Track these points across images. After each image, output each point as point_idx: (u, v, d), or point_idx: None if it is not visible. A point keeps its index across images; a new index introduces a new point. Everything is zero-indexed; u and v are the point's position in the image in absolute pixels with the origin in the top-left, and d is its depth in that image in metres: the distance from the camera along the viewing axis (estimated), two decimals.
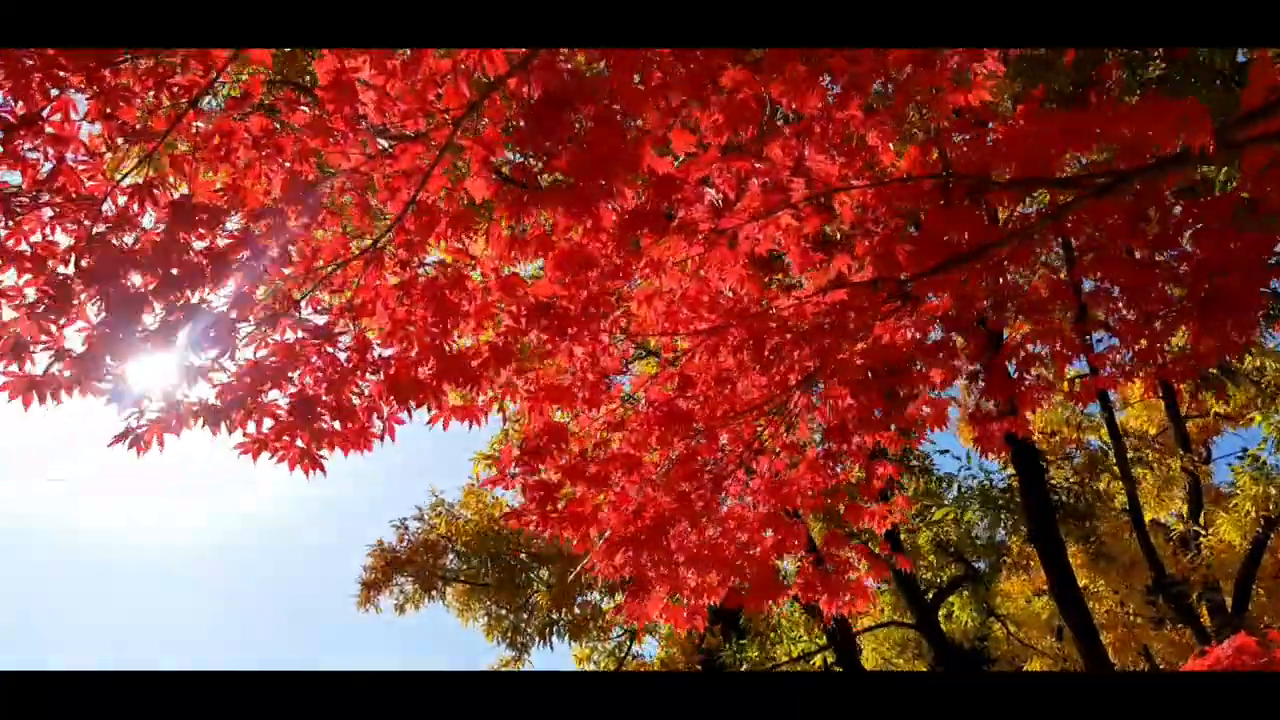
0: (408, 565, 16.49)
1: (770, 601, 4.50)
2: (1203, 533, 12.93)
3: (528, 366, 4.14)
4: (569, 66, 3.33)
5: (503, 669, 16.89)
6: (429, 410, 3.87)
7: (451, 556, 16.85)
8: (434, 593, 16.78)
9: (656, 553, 4.25)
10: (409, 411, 3.92)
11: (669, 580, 4.41)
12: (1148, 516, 12.97)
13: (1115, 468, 13.13)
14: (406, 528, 16.86)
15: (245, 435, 3.69)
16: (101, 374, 3.29)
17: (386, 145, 3.55)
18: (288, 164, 3.43)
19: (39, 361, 3.32)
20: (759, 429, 4.62)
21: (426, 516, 17.04)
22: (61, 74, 3.04)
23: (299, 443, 3.76)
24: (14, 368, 3.28)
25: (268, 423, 3.71)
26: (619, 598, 4.83)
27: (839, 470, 4.69)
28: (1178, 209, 4.29)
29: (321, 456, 3.77)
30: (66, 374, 3.29)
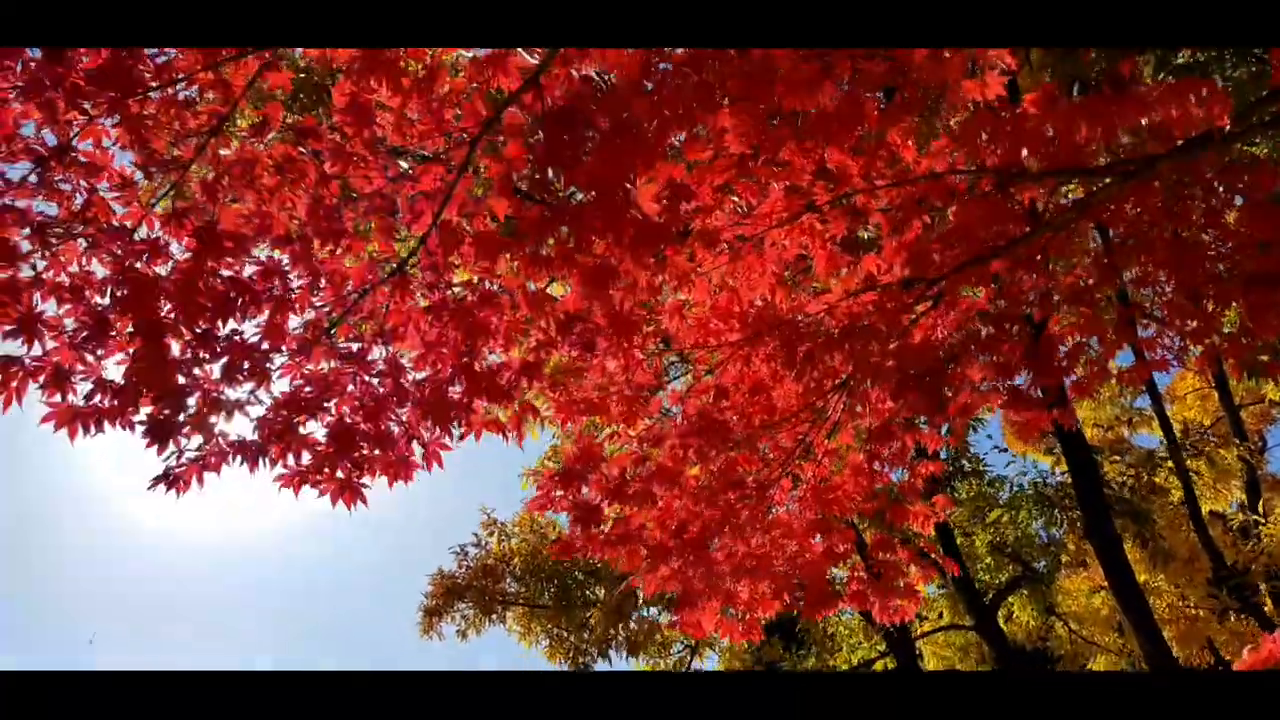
0: (467, 591, 16.58)
1: (825, 611, 4.46)
2: (1262, 521, 12.63)
3: (560, 381, 4.14)
4: (579, 76, 3.34)
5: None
6: (458, 426, 3.85)
7: (509, 580, 16.90)
8: (494, 616, 16.84)
9: (701, 565, 4.23)
10: (449, 435, 3.90)
11: (718, 593, 4.38)
12: (1205, 508, 12.70)
13: (1170, 461, 12.88)
14: (466, 554, 16.97)
15: (285, 468, 3.68)
16: (139, 405, 3.33)
17: (407, 167, 3.58)
18: (310, 189, 3.47)
19: (80, 390, 3.37)
20: (801, 436, 4.59)
21: (484, 541, 17.13)
22: (87, 103, 3.11)
23: (339, 474, 3.75)
24: (57, 397, 3.33)
25: (306, 455, 3.71)
26: (671, 614, 4.81)
27: (883, 472, 4.64)
28: (1220, 187, 4.21)
29: (363, 485, 3.76)
30: (106, 404, 3.33)
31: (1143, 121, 3.63)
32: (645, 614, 16.19)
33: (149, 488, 3.50)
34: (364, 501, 3.78)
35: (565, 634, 16.61)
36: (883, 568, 4.54)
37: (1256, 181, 4.02)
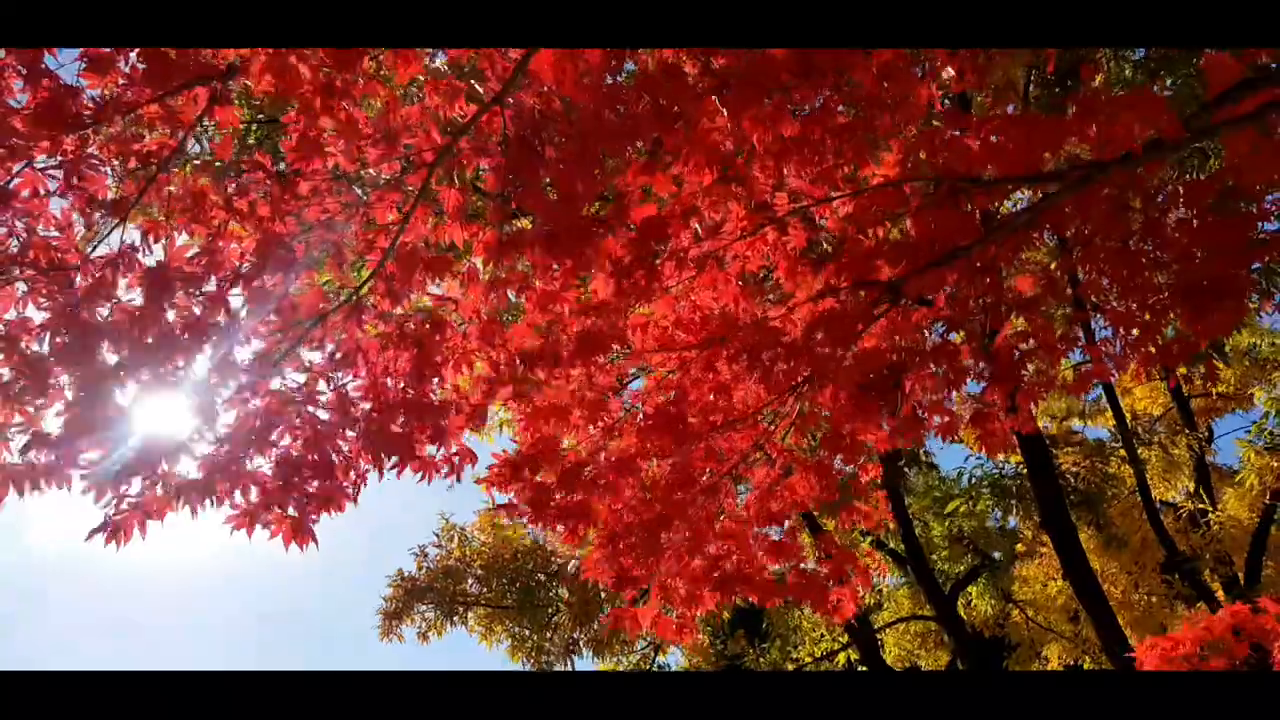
0: (428, 593, 16.45)
1: (770, 602, 4.52)
2: (1210, 510, 12.90)
3: (523, 390, 4.10)
4: (538, 105, 3.31)
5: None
6: (392, 462, 3.77)
7: (471, 581, 16.81)
8: (455, 618, 16.73)
9: (649, 552, 4.23)
10: (379, 469, 3.80)
11: (658, 588, 4.41)
12: (1156, 497, 12.93)
13: (1122, 451, 13.10)
14: (426, 555, 16.84)
15: (234, 507, 3.58)
16: (78, 460, 3.19)
17: (361, 194, 3.52)
18: (261, 224, 3.38)
19: (14, 446, 3.22)
20: (757, 437, 4.61)
21: (444, 542, 17.02)
22: (25, 144, 3.01)
23: (290, 511, 3.67)
24: None
25: (255, 491, 3.61)
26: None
27: (837, 471, 4.69)
28: (1160, 198, 4.28)
29: (312, 523, 3.67)
30: (43, 459, 3.18)
31: (1091, 132, 3.70)
32: (608, 614, 16.15)
33: (86, 539, 3.36)
34: (314, 541, 3.70)
35: (528, 634, 16.55)
36: (826, 566, 4.62)
37: (1194, 191, 4.11)
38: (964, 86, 3.94)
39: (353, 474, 3.78)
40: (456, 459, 3.93)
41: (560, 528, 4.38)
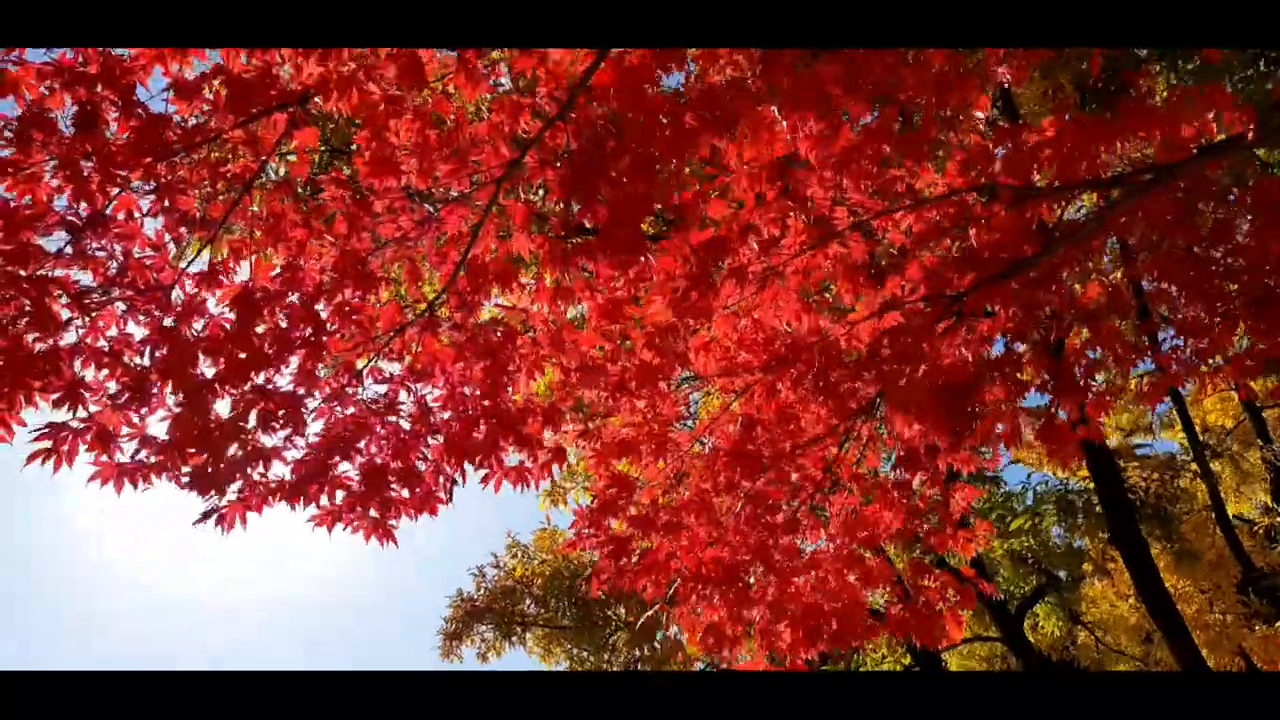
0: (487, 613, 16.54)
1: (865, 640, 4.45)
2: None
3: (592, 431, 4.20)
4: (601, 115, 3.40)
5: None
6: (482, 470, 3.93)
7: (529, 601, 16.87)
8: (514, 638, 16.80)
9: (733, 596, 4.24)
10: (462, 474, 3.98)
11: (758, 636, 4.39)
12: (1230, 511, 12.61)
13: (1193, 465, 12.82)
14: (484, 575, 16.94)
15: (319, 508, 3.77)
16: (183, 458, 3.41)
17: (432, 210, 3.64)
18: (339, 240, 3.53)
19: (126, 449, 3.46)
20: (828, 460, 4.59)
21: (503, 562, 17.11)
22: (119, 172, 3.19)
23: (372, 512, 3.85)
24: (104, 457, 3.41)
25: (340, 494, 3.80)
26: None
27: (914, 499, 4.63)
28: (1230, 200, 4.23)
29: (392, 525, 3.84)
30: (151, 459, 3.42)
31: (1156, 135, 3.68)
32: (667, 634, 16.11)
33: (195, 523, 3.61)
34: (394, 540, 3.89)
35: (586, 654, 16.55)
36: (921, 593, 4.52)
37: (1263, 194, 4.05)
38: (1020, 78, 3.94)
39: (441, 478, 3.92)
40: (542, 460, 4.04)
41: (643, 584, 4.44)
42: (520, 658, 17.06)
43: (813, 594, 4.35)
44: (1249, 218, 4.20)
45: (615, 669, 16.34)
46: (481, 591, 16.88)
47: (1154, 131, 3.81)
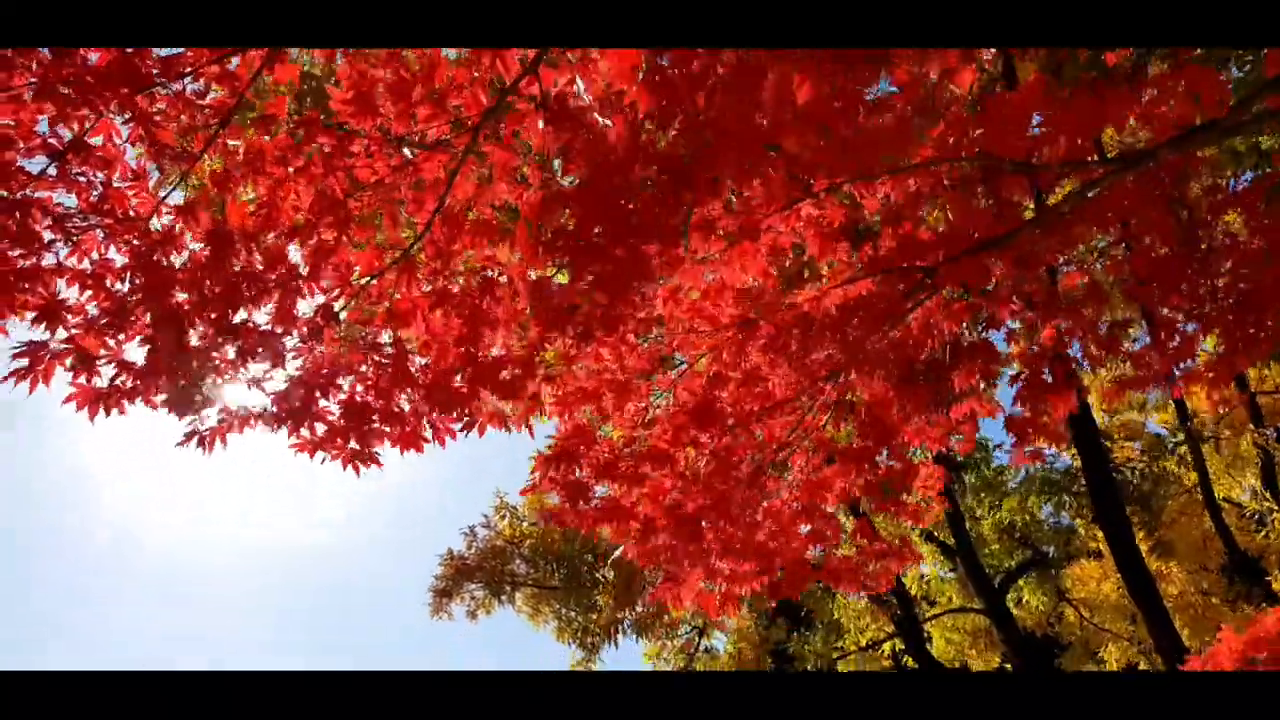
0: (477, 572, 16.78)
1: (801, 588, 4.56)
2: (1277, 509, 12.61)
3: (554, 372, 4.24)
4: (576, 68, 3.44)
5: (575, 670, 17.13)
6: (462, 417, 4.00)
7: (519, 561, 17.10)
8: (503, 597, 17.04)
9: (692, 544, 4.33)
10: (454, 423, 4.05)
11: (703, 568, 4.48)
12: (1219, 495, 12.67)
13: (1182, 447, 12.86)
14: (475, 535, 17.16)
15: (299, 437, 3.86)
16: (160, 385, 3.50)
17: (410, 155, 3.68)
18: (316, 180, 3.58)
19: (104, 374, 3.54)
20: (794, 424, 4.65)
21: (493, 522, 17.31)
22: (98, 100, 3.23)
23: (353, 443, 3.92)
24: (81, 380, 3.50)
25: (321, 426, 3.88)
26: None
27: (875, 468, 4.69)
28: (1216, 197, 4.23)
29: (374, 452, 3.93)
30: (129, 384, 3.50)
31: (1131, 118, 3.69)
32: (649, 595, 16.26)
33: (178, 445, 3.74)
34: (377, 464, 3.96)
35: (573, 615, 16.80)
36: (865, 552, 4.64)
37: (1246, 194, 4.06)
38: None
39: (426, 423, 3.99)
40: (524, 408, 4.11)
41: (603, 529, 4.51)
42: (509, 617, 17.28)
43: (766, 540, 4.46)
44: (1226, 221, 4.22)
45: (599, 629, 16.57)
46: (472, 550, 17.11)
47: (1136, 109, 3.82)
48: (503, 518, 17.29)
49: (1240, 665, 6.15)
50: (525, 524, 17.19)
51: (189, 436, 3.71)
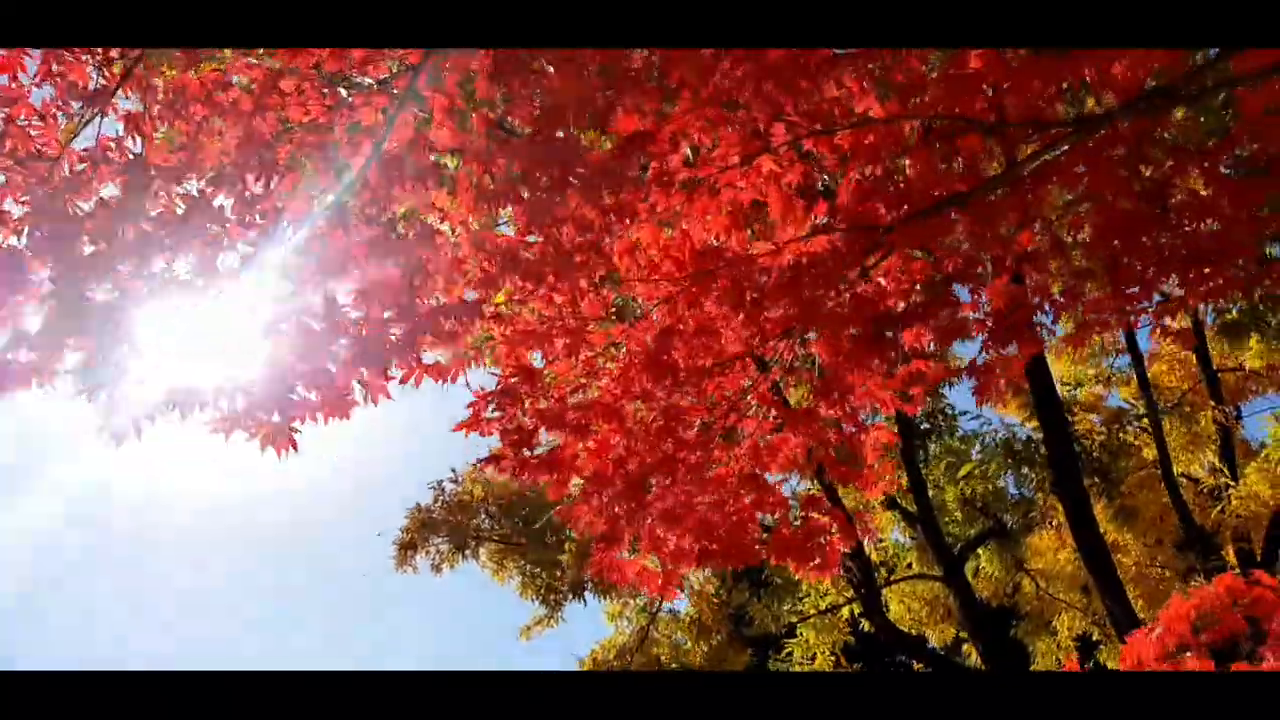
0: (443, 526, 16.72)
1: (744, 563, 4.46)
2: (1233, 484, 12.73)
3: (503, 311, 4.09)
4: None
5: (535, 626, 17.19)
6: (396, 370, 3.79)
7: (484, 517, 17.06)
8: (467, 552, 17.00)
9: (633, 504, 4.22)
10: (385, 374, 3.81)
11: (646, 539, 4.37)
12: (1176, 470, 12.75)
13: (1144, 421, 12.94)
14: (443, 489, 17.08)
15: (217, 411, 3.56)
16: (62, 358, 3.16)
17: (346, 95, 3.51)
18: (243, 120, 3.39)
19: None
20: (746, 384, 4.56)
21: (461, 479, 17.23)
22: None
23: (275, 417, 3.65)
24: None
25: (240, 399, 3.58)
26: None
27: (826, 429, 4.60)
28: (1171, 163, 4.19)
29: (294, 430, 3.65)
30: (26, 357, 3.14)
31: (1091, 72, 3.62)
32: (619, 557, 16.31)
33: (96, 436, 3.36)
34: (294, 447, 3.69)
35: (538, 572, 16.79)
36: (808, 524, 4.53)
37: (1204, 153, 4.01)
38: None
39: (356, 383, 3.77)
40: (462, 358, 3.94)
41: (543, 480, 4.36)
42: (473, 571, 17.24)
43: (709, 510, 4.35)
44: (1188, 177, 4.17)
45: (564, 587, 16.58)
46: (439, 505, 17.04)
47: (1092, 69, 3.73)
48: (474, 481, 17.20)
49: (1186, 631, 6.18)
50: (494, 485, 17.11)
51: (100, 431, 3.33)
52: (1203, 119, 6.61)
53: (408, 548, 16.83)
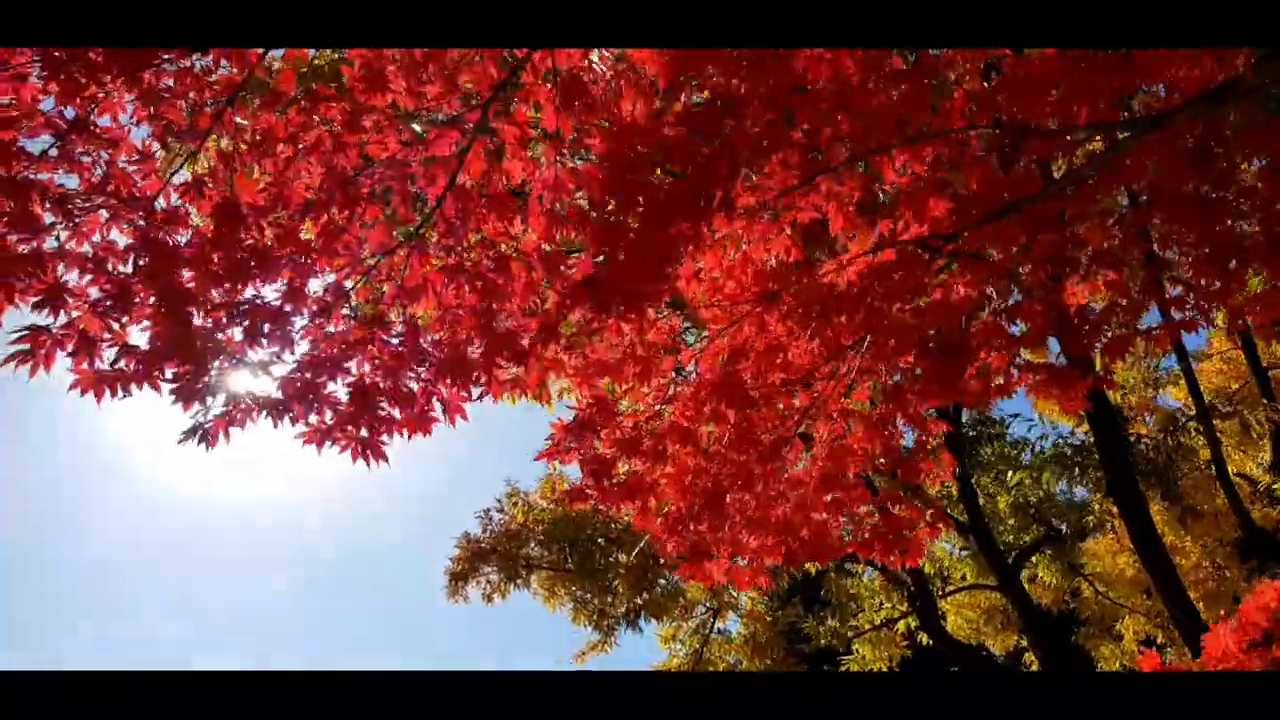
0: (492, 555, 16.80)
1: (828, 558, 4.51)
2: None
3: (576, 343, 4.16)
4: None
5: (589, 651, 17.21)
6: (478, 385, 3.90)
7: (534, 544, 17.11)
8: (518, 581, 17.05)
9: (716, 519, 4.27)
10: (467, 390, 3.93)
11: (729, 544, 4.43)
12: (1231, 469, 12.60)
13: (1195, 423, 12.80)
14: (490, 518, 17.16)
15: (307, 425, 3.75)
16: (164, 368, 3.39)
17: (421, 131, 3.61)
18: (325, 157, 3.51)
19: (107, 357, 3.44)
20: (815, 395, 4.59)
21: (506, 507, 17.32)
22: (104, 77, 3.17)
23: (363, 432, 3.81)
24: (84, 364, 3.40)
25: (329, 413, 3.76)
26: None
27: (896, 432, 4.63)
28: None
29: (382, 443, 3.81)
30: (132, 368, 3.39)
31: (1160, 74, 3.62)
32: (668, 579, 16.37)
33: (179, 441, 3.59)
34: (384, 459, 3.83)
35: (590, 596, 16.81)
36: (892, 520, 4.57)
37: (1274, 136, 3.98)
38: None
39: (436, 401, 3.90)
40: (539, 372, 4.03)
41: (625, 508, 4.44)
42: (525, 600, 17.33)
43: (791, 511, 4.41)
44: (1261, 162, 4.14)
45: (616, 611, 16.59)
46: (487, 534, 17.11)
47: (1159, 73, 3.75)
48: (515, 504, 17.28)
49: (1265, 623, 6.11)
50: (537, 511, 17.18)
51: (190, 433, 3.57)
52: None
53: (459, 578, 16.92)
